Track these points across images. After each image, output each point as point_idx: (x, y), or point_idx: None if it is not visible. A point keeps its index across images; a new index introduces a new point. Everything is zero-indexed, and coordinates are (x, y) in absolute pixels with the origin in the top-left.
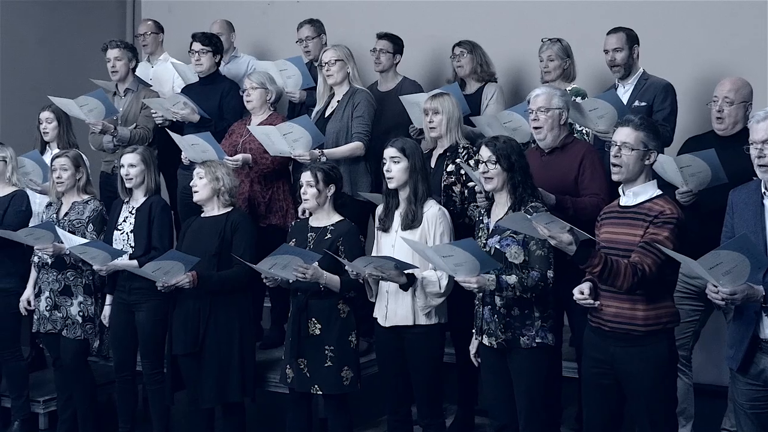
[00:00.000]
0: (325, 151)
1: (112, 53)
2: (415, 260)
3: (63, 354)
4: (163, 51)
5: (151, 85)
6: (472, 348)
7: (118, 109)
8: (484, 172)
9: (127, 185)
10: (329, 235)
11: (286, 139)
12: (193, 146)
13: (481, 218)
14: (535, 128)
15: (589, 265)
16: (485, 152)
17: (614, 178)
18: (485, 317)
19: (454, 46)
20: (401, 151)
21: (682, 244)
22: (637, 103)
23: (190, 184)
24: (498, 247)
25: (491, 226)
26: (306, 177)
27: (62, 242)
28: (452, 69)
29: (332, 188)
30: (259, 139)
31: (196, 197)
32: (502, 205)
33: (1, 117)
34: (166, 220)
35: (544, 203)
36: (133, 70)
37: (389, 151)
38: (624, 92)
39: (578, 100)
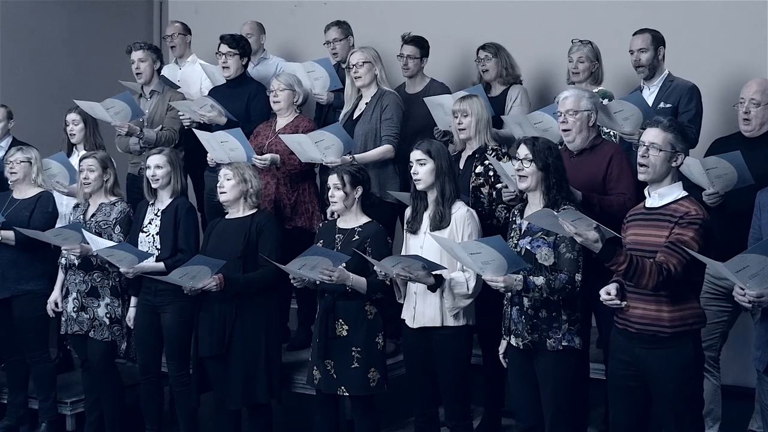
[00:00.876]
0: (356, 156)
1: (136, 55)
2: (443, 261)
3: (90, 355)
4: (191, 53)
5: (179, 87)
6: (501, 348)
7: (144, 110)
8: (519, 170)
9: (153, 186)
10: (357, 237)
11: (318, 147)
12: (222, 144)
13: (513, 219)
14: (564, 131)
15: (615, 263)
16: (523, 150)
17: (640, 177)
18: (513, 318)
19: (478, 50)
20: (427, 153)
21: (708, 245)
22: (662, 104)
23: (217, 185)
24: (529, 248)
25: (523, 227)
26: (333, 180)
27: (88, 243)
28: (477, 72)
29: (359, 190)
30: (291, 147)
31: (222, 198)
32: (535, 206)
33: (30, 118)
34: (191, 222)
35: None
36: (158, 71)
37: (415, 154)
38: (649, 94)
39: (604, 102)
